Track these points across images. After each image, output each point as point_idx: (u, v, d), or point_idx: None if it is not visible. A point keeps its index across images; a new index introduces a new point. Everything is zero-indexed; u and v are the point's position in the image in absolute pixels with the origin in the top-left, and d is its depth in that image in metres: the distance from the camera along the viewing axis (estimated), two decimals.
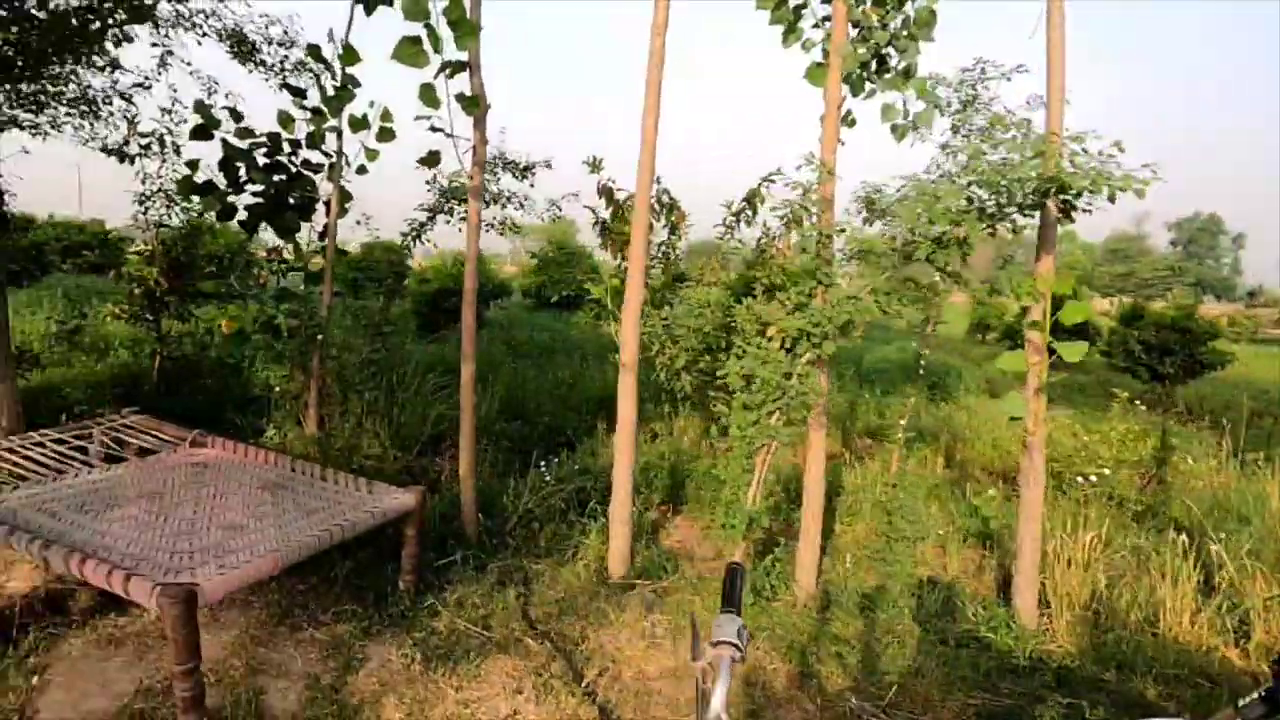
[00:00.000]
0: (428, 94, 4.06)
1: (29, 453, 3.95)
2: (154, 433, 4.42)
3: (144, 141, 7.52)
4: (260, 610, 3.46)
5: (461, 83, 4.16)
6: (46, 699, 2.83)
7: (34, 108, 5.49)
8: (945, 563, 4.64)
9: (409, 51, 3.87)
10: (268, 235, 5.98)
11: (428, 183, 6.16)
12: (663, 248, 6.77)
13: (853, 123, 4.33)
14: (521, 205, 6.38)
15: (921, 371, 5.58)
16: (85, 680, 2.95)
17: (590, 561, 4.45)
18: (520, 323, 16.09)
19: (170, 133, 7.26)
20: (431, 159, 4.43)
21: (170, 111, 5.64)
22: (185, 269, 7.22)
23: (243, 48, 5.63)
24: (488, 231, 6.34)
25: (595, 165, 6.15)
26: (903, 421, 5.55)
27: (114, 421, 4.45)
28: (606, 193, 6.36)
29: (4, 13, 4.25)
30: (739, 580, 1.46)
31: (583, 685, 3.12)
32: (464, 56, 4.14)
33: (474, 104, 4.27)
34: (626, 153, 4.32)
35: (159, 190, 6.94)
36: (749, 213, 6.39)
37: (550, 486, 5.10)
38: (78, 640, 3.17)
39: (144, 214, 6.99)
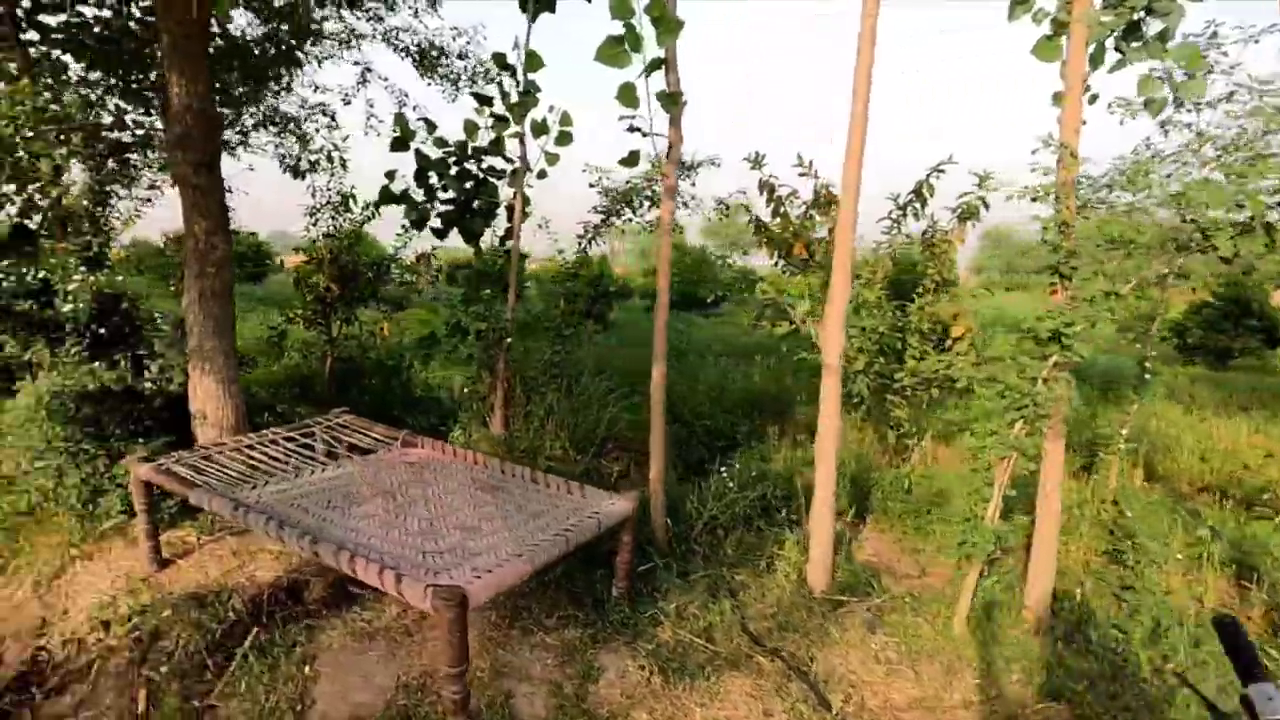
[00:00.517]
0: (628, 93, 4.00)
1: (268, 449, 4.23)
2: (366, 432, 4.63)
3: (313, 158, 8.08)
4: (491, 613, 3.51)
5: (654, 81, 4.08)
6: (319, 690, 2.95)
7: (244, 132, 5.98)
8: (1201, 593, 4.09)
9: (612, 52, 3.82)
10: (412, 245, 6.26)
11: (591, 184, 6.18)
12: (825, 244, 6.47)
13: (1094, 99, 3.89)
14: (687, 204, 6.28)
15: (1148, 376, 4.97)
16: (348, 673, 3.06)
17: (788, 572, 4.25)
18: (644, 324, 16.14)
19: (337, 148, 7.74)
20: (632, 159, 4.37)
21: (368, 124, 5.94)
22: (351, 276, 7.67)
23: (426, 61, 5.85)
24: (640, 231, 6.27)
25: (757, 162, 5.95)
26: (1124, 431, 4.98)
27: (331, 421, 4.70)
28: (769, 189, 6.14)
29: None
30: (1243, 639, 1.21)
31: (833, 713, 2.93)
32: (661, 54, 4.06)
33: (673, 101, 4.18)
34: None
35: (327, 202, 7.40)
36: (916, 205, 5.98)
37: (733, 493, 4.95)
38: (334, 633, 3.31)
39: (314, 224, 7.48)
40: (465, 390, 5.20)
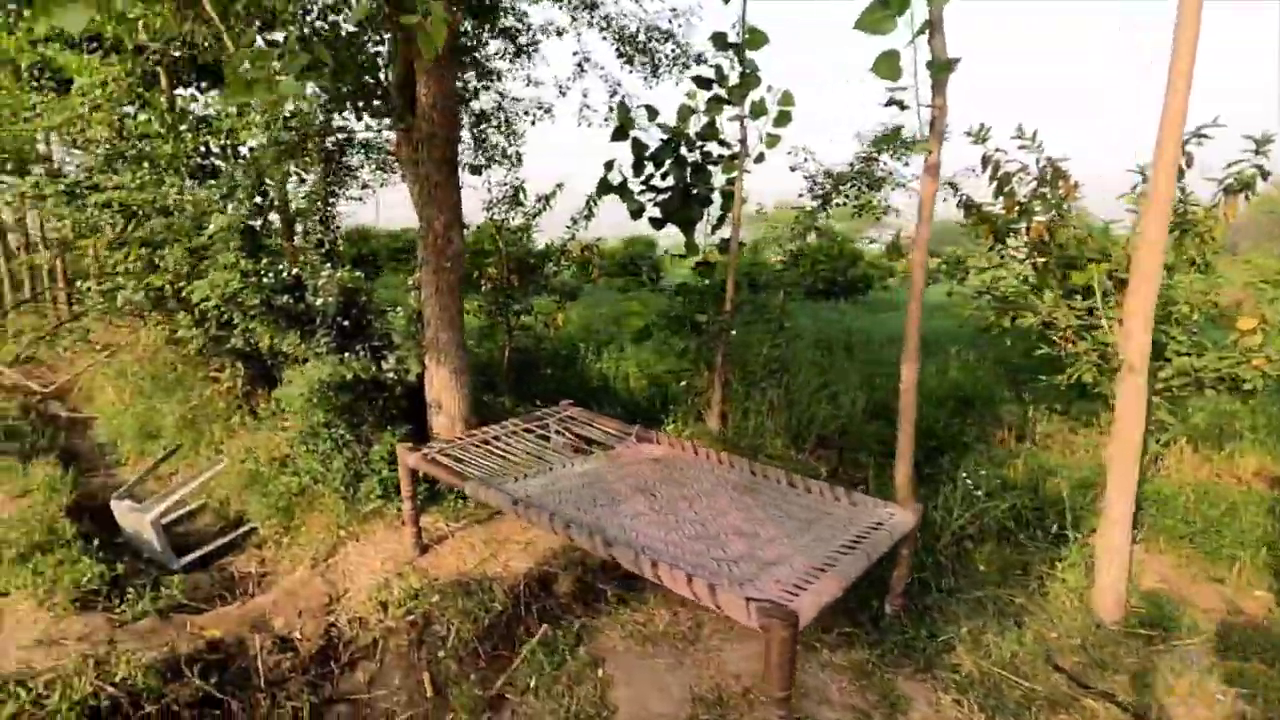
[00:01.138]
0: (888, 64, 3.62)
1: (510, 441, 4.27)
2: (596, 425, 4.60)
3: (488, 155, 8.27)
4: None
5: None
6: (616, 695, 2.88)
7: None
8: None
9: (876, 17, 3.46)
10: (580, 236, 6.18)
11: (793, 169, 5.84)
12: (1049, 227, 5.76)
13: None
14: (903, 185, 5.80)
15: None
16: (640, 680, 2.98)
17: (1068, 597, 3.76)
18: (800, 315, 15.56)
19: (512, 142, 7.88)
20: (894, 137, 4.00)
21: (581, 115, 5.94)
22: (529, 267, 7.80)
23: (629, 48, 5.75)
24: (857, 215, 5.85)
25: (980, 136, 5.34)
26: None
27: (561, 414, 4.71)
28: (993, 165, 5.52)
29: None
30: None
31: None
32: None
33: (945, 68, 3.76)
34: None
35: (503, 198, 7.53)
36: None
37: (981, 501, 4.49)
38: (614, 634, 3.24)
39: (490, 218, 7.65)
40: (683, 384, 5.07)
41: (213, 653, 3.29)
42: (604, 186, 5.16)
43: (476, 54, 5.74)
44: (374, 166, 6.64)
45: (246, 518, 4.86)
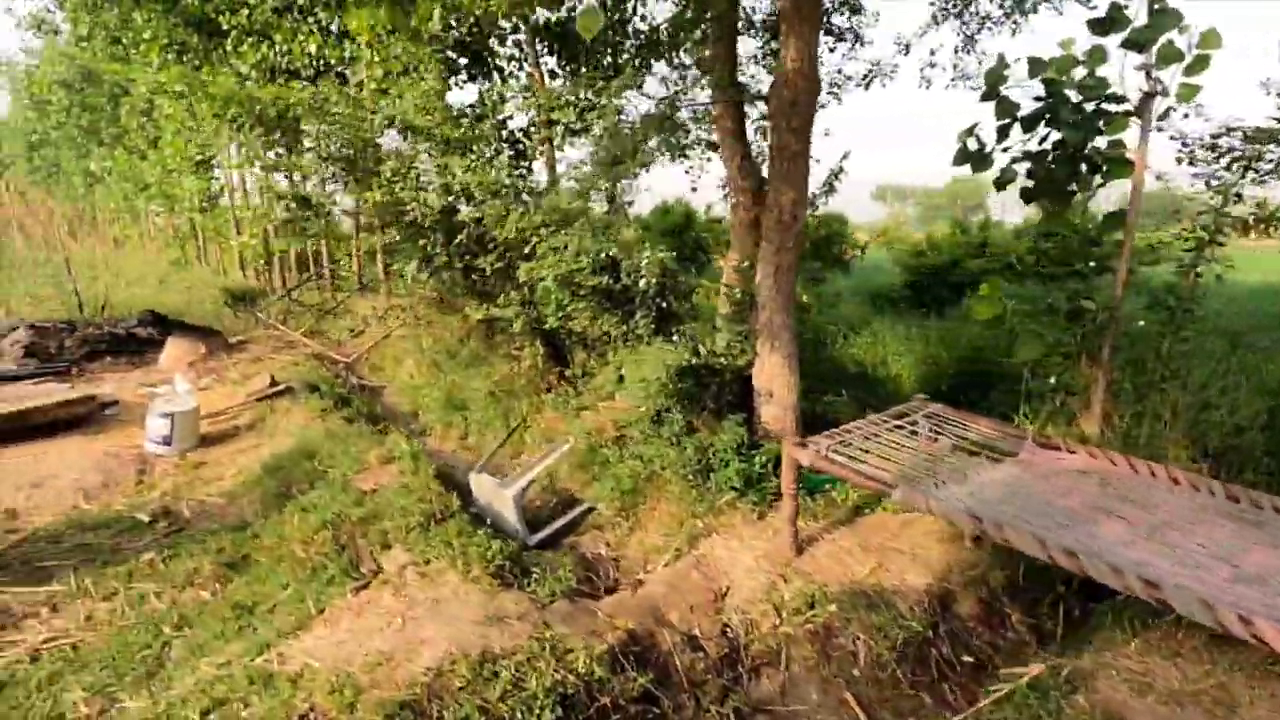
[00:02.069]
0: None
1: (885, 438, 3.87)
2: (969, 424, 4.09)
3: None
4: None
5: None
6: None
7: None
8: None
9: None
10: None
11: (1173, 137, 4.88)
12: None
13: None
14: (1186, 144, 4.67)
15: None
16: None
17: None
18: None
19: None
20: None
21: (922, 75, 5.39)
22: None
23: None
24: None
25: None
26: None
27: (923, 410, 4.24)
28: None
29: None
30: None
31: None
32: None
33: None
34: None
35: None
36: None
37: None
38: (1105, 682, 2.74)
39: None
40: (1053, 380, 4.41)
41: (633, 645, 3.21)
42: (962, 155, 4.56)
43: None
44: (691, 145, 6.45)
45: (577, 496, 4.89)
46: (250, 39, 10.48)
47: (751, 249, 5.16)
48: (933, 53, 5.34)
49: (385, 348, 8.43)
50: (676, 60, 5.88)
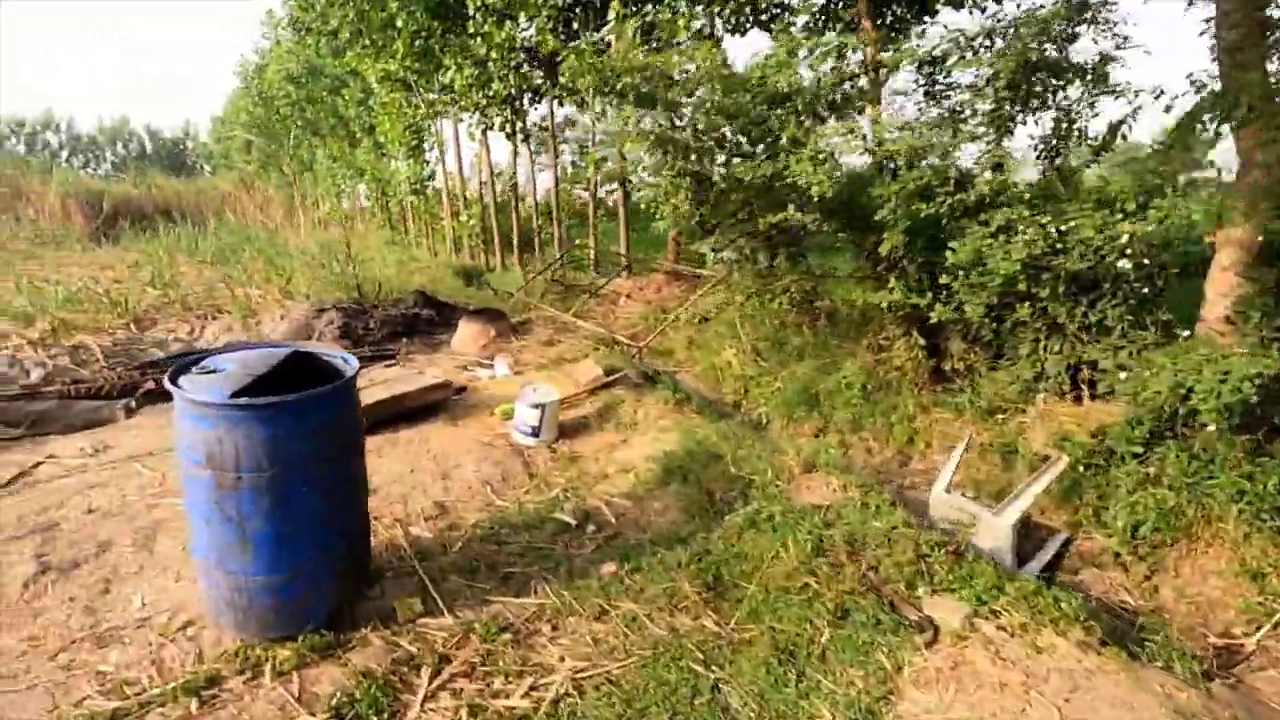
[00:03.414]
0: None
1: None
2: None
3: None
4: None
5: None
6: None
7: None
8: None
9: None
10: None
11: None
12: None
13: None
14: None
15: None
16: None
17: None
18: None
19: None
20: None
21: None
22: None
23: None
24: None
25: None
26: None
27: None
28: None
29: None
30: None
31: None
32: None
33: None
34: None
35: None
36: None
37: None
38: None
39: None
40: None
41: None
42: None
43: None
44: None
45: (1052, 527, 4.09)
46: (491, 19, 10.40)
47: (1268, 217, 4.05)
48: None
49: (672, 332, 8.02)
50: None
